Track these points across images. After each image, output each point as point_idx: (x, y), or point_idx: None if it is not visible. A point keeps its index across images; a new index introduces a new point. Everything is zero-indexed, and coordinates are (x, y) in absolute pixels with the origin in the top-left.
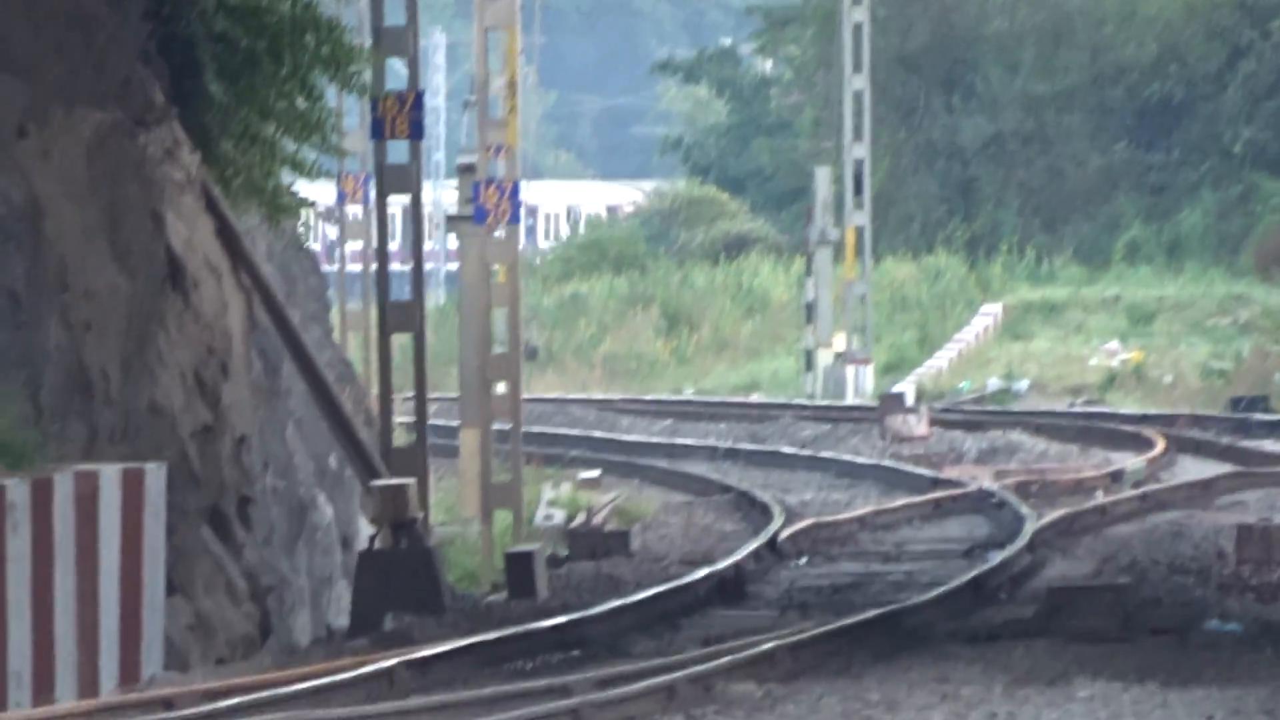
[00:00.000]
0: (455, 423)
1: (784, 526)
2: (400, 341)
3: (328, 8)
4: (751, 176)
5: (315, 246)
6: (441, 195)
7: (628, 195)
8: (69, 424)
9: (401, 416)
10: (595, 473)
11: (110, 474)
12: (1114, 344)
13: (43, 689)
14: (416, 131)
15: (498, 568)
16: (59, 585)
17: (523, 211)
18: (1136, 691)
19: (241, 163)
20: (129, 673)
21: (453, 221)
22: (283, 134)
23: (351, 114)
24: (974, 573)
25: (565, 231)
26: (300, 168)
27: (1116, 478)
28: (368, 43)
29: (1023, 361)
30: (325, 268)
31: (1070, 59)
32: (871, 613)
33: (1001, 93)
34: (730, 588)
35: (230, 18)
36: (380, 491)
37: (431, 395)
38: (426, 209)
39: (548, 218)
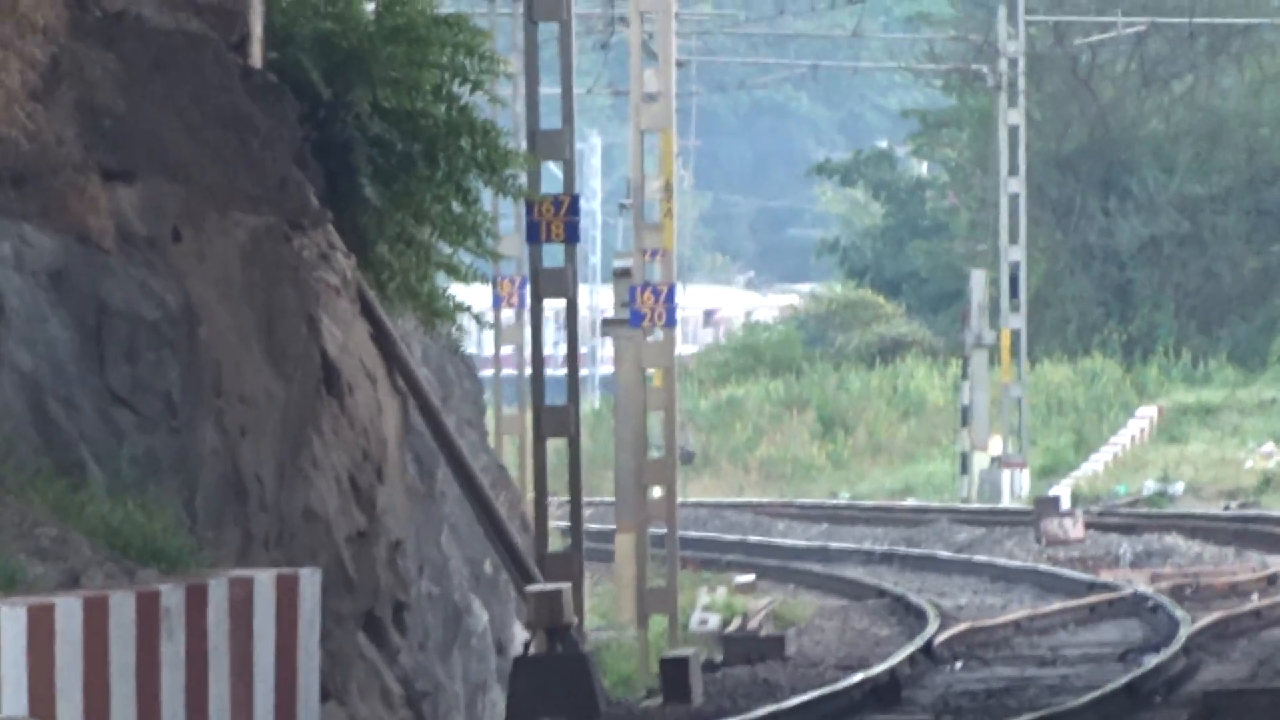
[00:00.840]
0: (611, 527)
1: (939, 631)
2: (555, 446)
3: (484, 111)
4: (907, 279)
5: (471, 351)
6: (597, 299)
7: (781, 301)
8: (224, 529)
9: (556, 521)
10: (750, 577)
11: (265, 579)
12: (1270, 446)
13: None
14: (572, 235)
15: (653, 673)
16: (213, 691)
17: (681, 315)
18: None
19: (397, 266)
20: None
21: (608, 325)
22: (438, 237)
23: (507, 217)
24: (1129, 677)
25: (720, 336)
26: (456, 272)
27: (1273, 580)
28: (523, 146)
29: (1178, 464)
30: (481, 373)
31: (1226, 160)
32: (1027, 717)
33: (1157, 194)
34: (886, 693)
35: (385, 121)
36: (535, 597)
37: (587, 499)
38: (582, 313)
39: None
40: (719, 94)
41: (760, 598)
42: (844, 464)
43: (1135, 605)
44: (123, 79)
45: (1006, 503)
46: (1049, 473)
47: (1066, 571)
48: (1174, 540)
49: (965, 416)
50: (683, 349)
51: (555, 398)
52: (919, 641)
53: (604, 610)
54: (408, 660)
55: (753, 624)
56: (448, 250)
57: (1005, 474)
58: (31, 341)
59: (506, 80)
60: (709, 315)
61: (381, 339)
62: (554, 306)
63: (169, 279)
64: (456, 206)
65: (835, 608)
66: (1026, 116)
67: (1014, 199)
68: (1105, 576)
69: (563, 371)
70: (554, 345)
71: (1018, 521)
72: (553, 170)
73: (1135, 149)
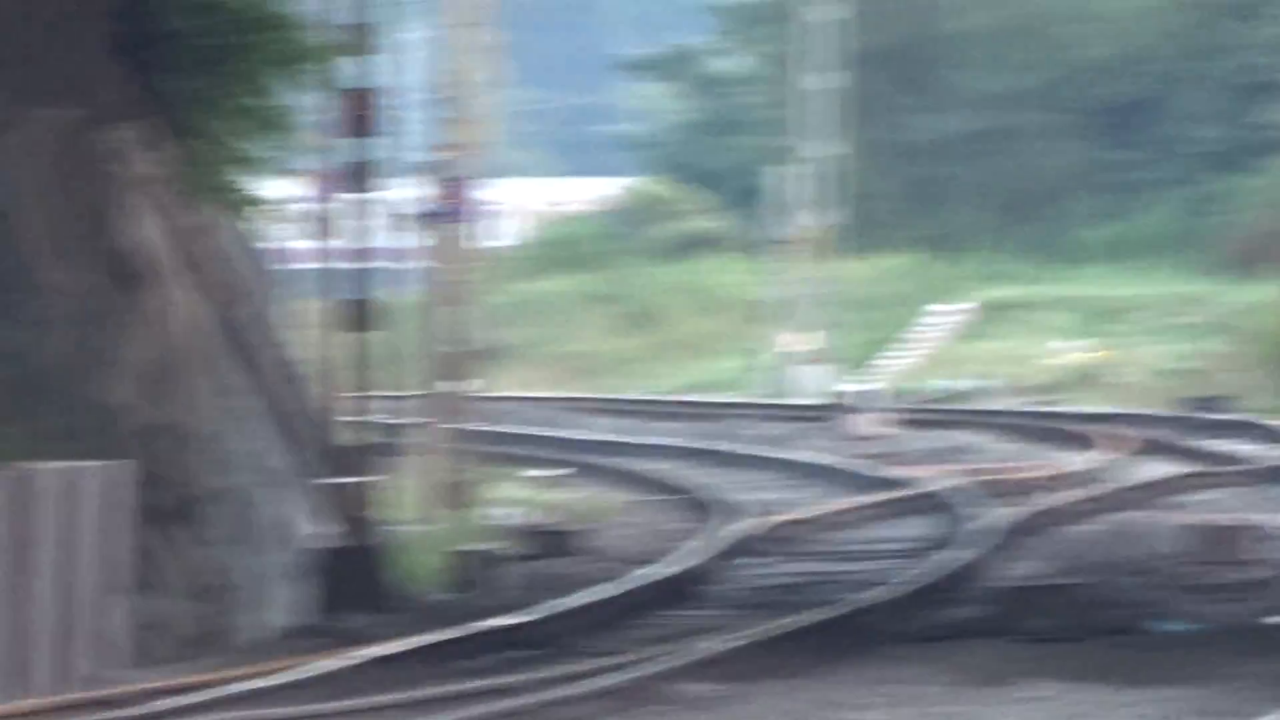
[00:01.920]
0: (413, 420)
1: (740, 526)
2: (356, 339)
3: (289, 4)
4: (714, 175)
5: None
6: (407, 193)
7: (591, 193)
8: (16, 423)
9: (354, 415)
10: (553, 472)
11: (57, 472)
12: (1074, 343)
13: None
14: (380, 129)
15: (451, 567)
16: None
17: (488, 209)
18: (1085, 692)
19: (198, 161)
20: (70, 671)
21: (417, 219)
22: (240, 132)
23: (313, 112)
24: (929, 572)
25: (529, 230)
26: (258, 166)
27: (1071, 477)
28: (330, 39)
29: (983, 361)
30: (281, 266)
31: (1031, 57)
32: (826, 612)
33: (965, 92)
34: (684, 587)
35: (188, 16)
36: (330, 491)
37: (389, 393)
38: (391, 206)
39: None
40: None
41: (562, 491)
42: (650, 358)
43: (936, 501)
44: None
45: (810, 399)
46: (853, 368)
47: (867, 468)
48: (977, 437)
49: (771, 312)
50: (492, 243)
51: (357, 291)
52: (719, 537)
53: (403, 503)
54: (203, 553)
55: (553, 517)
56: (249, 144)
57: (809, 370)
58: None
59: None
60: (518, 210)
61: (181, 233)
62: (360, 199)
63: None
64: (259, 100)
65: (637, 502)
66: (836, 13)
67: (821, 95)
68: (906, 473)
69: (364, 265)
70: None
71: (821, 418)
72: (361, 64)
73: (943, 45)
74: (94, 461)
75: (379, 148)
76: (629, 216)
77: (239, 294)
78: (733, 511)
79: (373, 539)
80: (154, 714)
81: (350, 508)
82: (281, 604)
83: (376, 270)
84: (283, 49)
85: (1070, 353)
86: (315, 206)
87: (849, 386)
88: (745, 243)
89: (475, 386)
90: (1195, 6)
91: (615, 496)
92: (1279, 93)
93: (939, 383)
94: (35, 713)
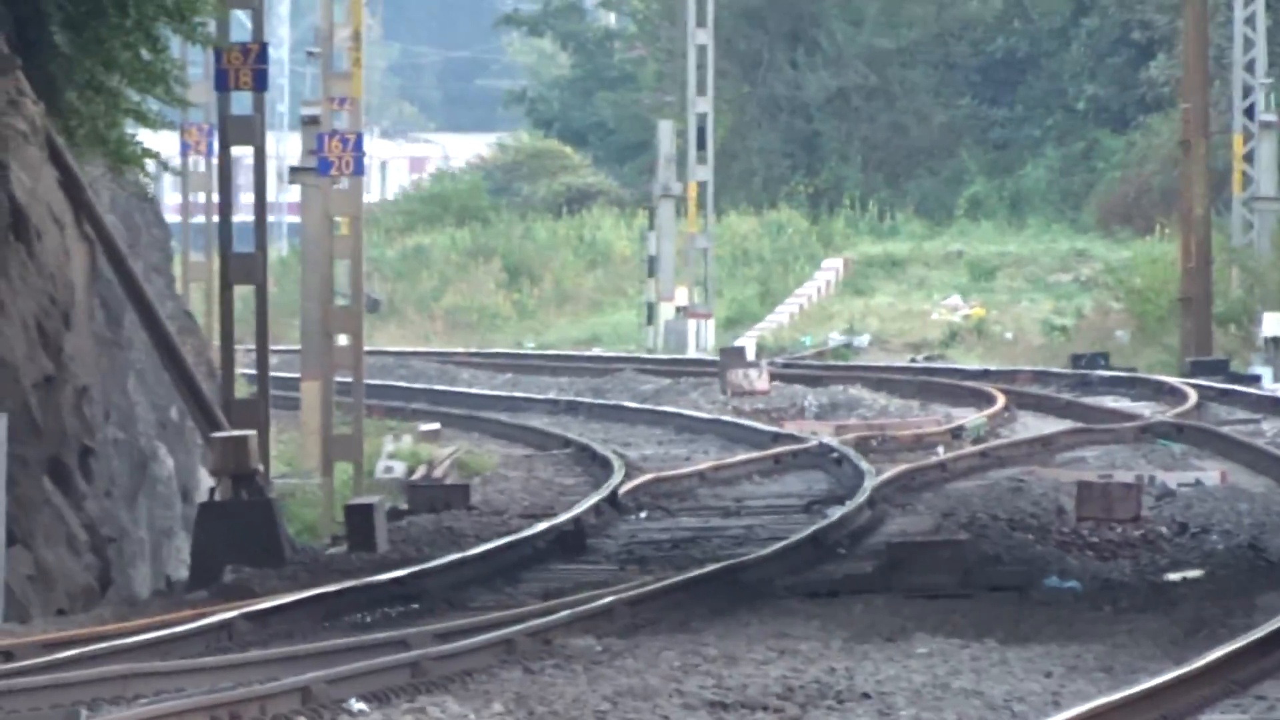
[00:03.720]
0: (297, 375)
1: (624, 481)
2: (242, 293)
3: None
4: (594, 130)
5: (159, 197)
6: (285, 147)
7: (471, 148)
8: None
9: (243, 368)
10: (436, 426)
11: None
12: (956, 299)
13: None
14: (260, 83)
15: (338, 520)
16: None
17: (367, 164)
18: (975, 648)
19: (86, 113)
20: None
21: (296, 173)
22: (127, 85)
23: (196, 65)
24: (813, 528)
25: (408, 184)
26: (144, 119)
27: (957, 434)
28: None
29: (864, 316)
30: (169, 219)
31: (914, 13)
32: (710, 567)
33: (845, 47)
34: (570, 542)
35: None
36: (220, 443)
37: (273, 347)
38: (270, 161)
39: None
40: None
41: (446, 446)
42: (530, 313)
43: (820, 457)
44: None
45: (692, 353)
46: (735, 324)
47: (751, 423)
48: (859, 393)
49: (651, 267)
50: (369, 197)
51: (243, 245)
52: (604, 491)
53: (289, 457)
54: (93, 506)
55: (438, 472)
56: (136, 97)
57: (691, 325)
58: None
59: None
60: (399, 164)
61: (70, 185)
62: (242, 154)
63: None
64: (145, 54)
65: (521, 457)
66: None
67: (702, 50)
68: (790, 428)
69: (251, 219)
70: (242, 192)
71: (703, 372)
72: (241, 19)
73: (823, 1)
74: None
75: (260, 102)
76: (510, 171)
77: (131, 247)
78: (617, 466)
79: (265, 492)
80: (51, 664)
81: (244, 461)
82: (176, 556)
83: (261, 225)
84: (173, 3)
85: (952, 309)
86: (202, 160)
87: (732, 342)
88: (627, 198)
89: (357, 341)
90: None
91: (499, 450)
92: (1159, 51)
93: (822, 338)
94: None
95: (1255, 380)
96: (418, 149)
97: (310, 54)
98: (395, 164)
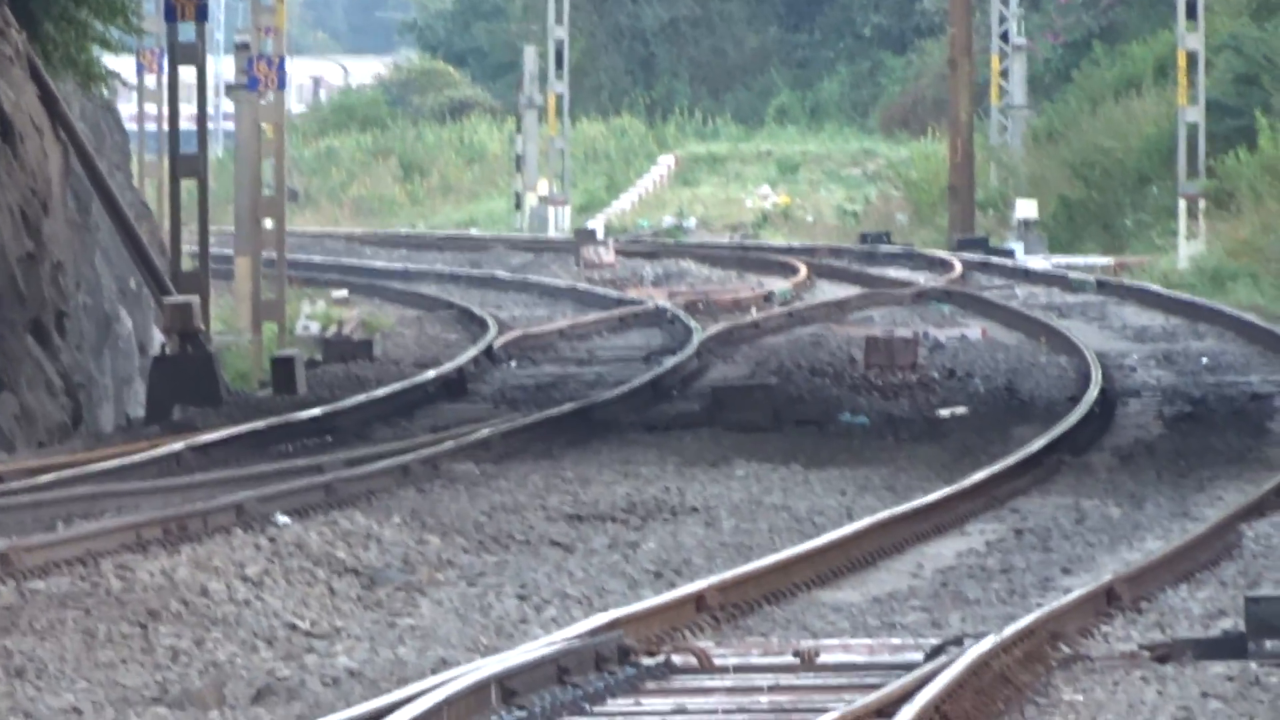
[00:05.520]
0: (231, 251)
1: (497, 337)
2: (188, 186)
3: None
4: (473, 53)
5: (120, 109)
6: (222, 68)
7: (373, 67)
8: None
9: (188, 246)
10: (345, 292)
11: None
12: (766, 189)
13: None
14: (202, 15)
15: (265, 370)
16: None
17: (288, 80)
18: (784, 471)
19: (60, 40)
20: None
21: (231, 89)
22: (94, 17)
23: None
24: (651, 374)
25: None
26: (108, 45)
27: (768, 298)
28: None
29: (692, 204)
30: (128, 127)
31: None
32: (568, 406)
33: None
34: (454, 386)
35: None
36: (170, 307)
37: (212, 229)
38: (210, 79)
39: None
40: None
41: (352, 309)
42: (420, 201)
43: (657, 317)
44: None
45: (552, 234)
46: (586, 209)
47: (600, 290)
48: (688, 265)
49: (519, 164)
50: (290, 108)
51: (188, 147)
52: (481, 345)
53: (226, 319)
54: (67, 358)
55: (346, 330)
56: (101, 27)
57: (551, 210)
58: None
59: None
60: (313, 81)
61: (47, 99)
62: (187, 73)
63: None
64: None
65: (413, 317)
66: None
67: None
68: (632, 294)
69: (194, 126)
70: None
71: (561, 249)
72: None
73: None
74: None
75: (201, 31)
76: (404, 87)
77: (97, 149)
78: (491, 325)
79: (206, 347)
80: (34, 487)
81: (189, 322)
82: (135, 400)
83: (202, 131)
84: None
85: (763, 197)
86: (154, 79)
87: (585, 224)
88: (499, 108)
89: (280, 225)
90: None
91: (396, 312)
92: None
93: (658, 221)
94: None
95: (1010, 254)
96: (319, 67)
97: None
98: (297, 78)
